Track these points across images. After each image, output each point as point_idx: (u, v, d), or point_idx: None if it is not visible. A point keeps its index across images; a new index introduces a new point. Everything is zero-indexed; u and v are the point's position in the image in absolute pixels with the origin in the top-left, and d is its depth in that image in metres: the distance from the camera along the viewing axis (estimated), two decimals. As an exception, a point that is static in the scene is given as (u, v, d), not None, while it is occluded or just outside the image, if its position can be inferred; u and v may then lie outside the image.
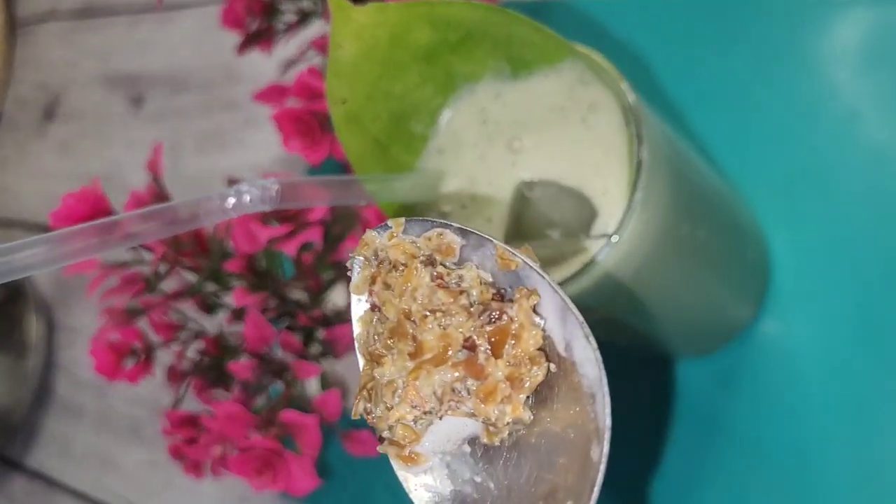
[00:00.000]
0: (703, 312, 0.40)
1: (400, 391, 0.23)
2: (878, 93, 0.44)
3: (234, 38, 0.54)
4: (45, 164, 0.84)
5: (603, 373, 0.22)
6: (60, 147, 0.83)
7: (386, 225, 0.25)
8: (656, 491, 0.45)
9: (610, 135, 0.31)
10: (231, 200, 0.28)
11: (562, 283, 0.30)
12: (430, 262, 0.24)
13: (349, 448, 0.43)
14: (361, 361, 0.25)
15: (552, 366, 0.23)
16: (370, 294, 0.25)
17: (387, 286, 0.24)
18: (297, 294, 0.45)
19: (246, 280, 0.42)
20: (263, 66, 0.57)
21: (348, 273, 0.26)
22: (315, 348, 0.45)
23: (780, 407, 0.43)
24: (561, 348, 0.23)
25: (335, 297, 0.47)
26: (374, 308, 0.25)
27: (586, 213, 0.32)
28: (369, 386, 0.24)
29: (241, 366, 0.42)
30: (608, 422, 0.22)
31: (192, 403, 0.46)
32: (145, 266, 0.43)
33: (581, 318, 0.23)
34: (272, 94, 0.47)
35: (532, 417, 0.23)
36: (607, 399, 0.22)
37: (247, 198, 0.28)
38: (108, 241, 0.26)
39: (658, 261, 0.33)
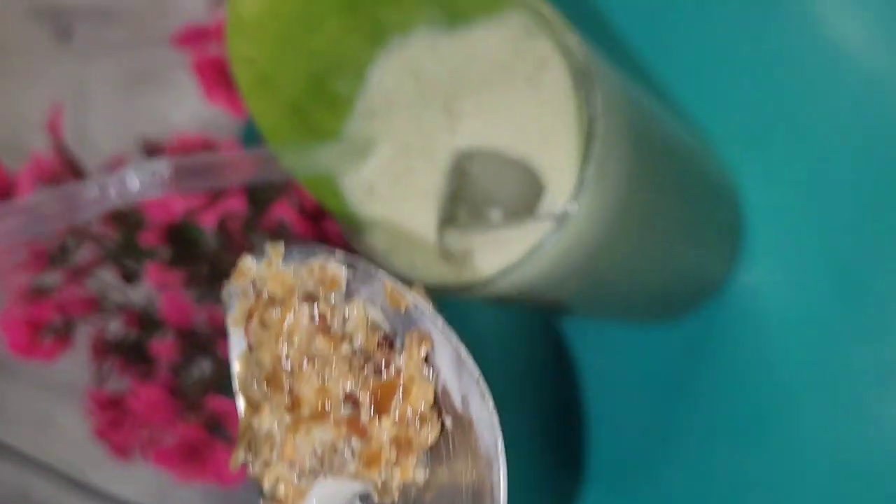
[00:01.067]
0: (671, 281, 0.37)
1: (278, 447, 0.20)
2: (859, 35, 0.40)
3: None
4: (-29, 103, 0.78)
5: (499, 438, 0.19)
6: (-14, 85, 0.77)
7: (264, 252, 0.22)
8: (621, 460, 0.43)
9: (559, 97, 0.27)
10: (113, 190, 0.24)
11: (506, 271, 0.26)
12: (311, 297, 0.21)
13: (286, 429, 0.40)
14: (241, 404, 0.22)
15: (448, 420, 0.20)
16: (246, 332, 0.21)
17: (263, 325, 0.21)
18: (228, 264, 0.41)
19: (164, 253, 0.38)
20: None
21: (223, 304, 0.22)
22: (248, 320, 0.41)
23: (751, 371, 0.41)
24: (458, 401, 0.20)
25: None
26: (251, 348, 0.21)
27: (533, 189, 0.28)
28: (248, 436, 0.21)
29: (163, 345, 0.38)
30: (503, 496, 0.19)
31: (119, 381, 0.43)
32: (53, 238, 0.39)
33: (477, 373, 0.19)
34: (191, 37, 0.42)
35: (426, 476, 0.20)
36: (503, 470, 0.19)
37: (134, 184, 0.24)
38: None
39: (617, 237, 0.29)
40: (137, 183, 0.24)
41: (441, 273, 0.28)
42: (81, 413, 0.65)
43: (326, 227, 0.38)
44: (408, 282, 0.28)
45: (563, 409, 0.44)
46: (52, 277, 0.40)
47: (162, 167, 0.24)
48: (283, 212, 0.38)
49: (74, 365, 0.66)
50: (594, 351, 0.43)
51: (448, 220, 0.28)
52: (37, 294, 0.38)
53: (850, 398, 0.38)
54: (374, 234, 0.30)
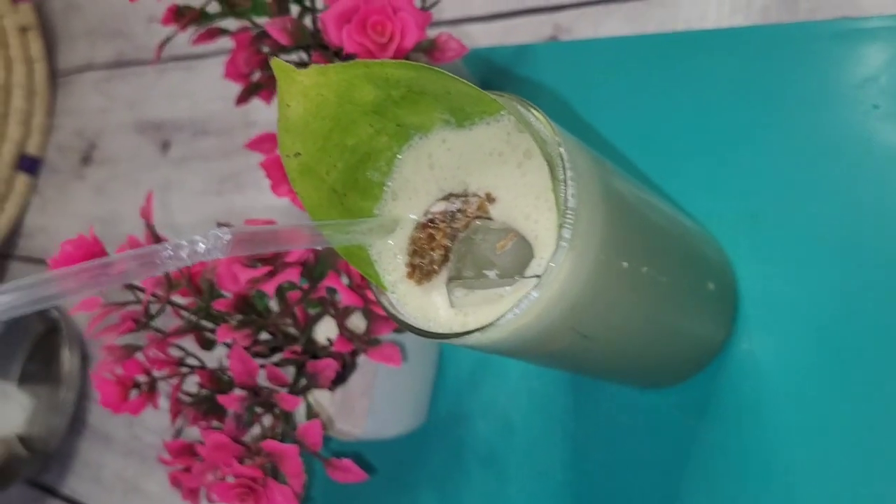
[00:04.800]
0: (663, 345, 0.42)
1: None
2: (843, 128, 0.45)
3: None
4: (83, 205, 0.89)
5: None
6: (96, 190, 0.88)
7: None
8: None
9: (541, 180, 0.33)
10: (185, 250, 0.31)
11: (498, 322, 0.32)
12: None
13: (332, 475, 0.45)
14: None
15: None
16: None
17: None
18: (291, 329, 0.48)
19: (234, 317, 0.45)
20: (273, 113, 0.61)
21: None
22: (304, 380, 0.48)
23: (749, 434, 0.44)
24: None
25: (319, 332, 0.50)
26: None
27: (524, 256, 0.34)
28: None
29: (230, 398, 0.45)
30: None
31: (195, 433, 0.49)
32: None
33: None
34: (263, 142, 0.50)
35: None
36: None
37: (201, 247, 0.31)
38: (51, 295, 0.29)
39: (597, 296, 0.35)
40: (203, 246, 0.31)
41: (450, 322, 0.34)
42: (162, 479, 0.72)
43: (369, 295, 0.45)
44: (422, 331, 0.34)
45: (571, 464, 0.49)
46: (139, 339, 0.47)
47: (225, 234, 0.31)
48: (333, 283, 0.44)
49: (158, 435, 0.72)
50: (604, 411, 0.48)
51: (456, 277, 0.34)
52: (127, 353, 0.45)
53: (844, 455, 0.41)
54: (398, 291, 0.36)
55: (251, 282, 0.42)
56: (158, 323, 0.47)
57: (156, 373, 0.49)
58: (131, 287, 0.46)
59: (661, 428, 0.47)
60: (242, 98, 0.56)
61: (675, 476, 0.46)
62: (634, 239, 0.37)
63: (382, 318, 0.47)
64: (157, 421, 0.73)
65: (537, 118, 0.34)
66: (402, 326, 0.35)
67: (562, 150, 0.32)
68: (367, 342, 0.47)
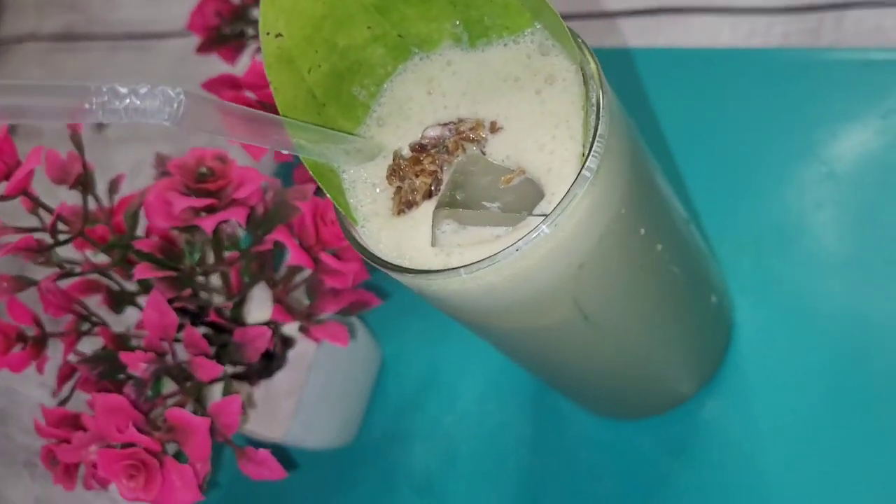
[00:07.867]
0: (659, 348, 0.36)
1: None
2: (853, 157, 0.41)
3: (209, 67, 0.51)
4: None
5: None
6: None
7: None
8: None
9: (564, 108, 0.28)
10: (123, 99, 0.24)
11: (494, 258, 0.26)
12: None
13: (244, 468, 0.38)
14: None
15: None
16: None
17: None
18: (217, 296, 0.41)
19: (156, 262, 0.38)
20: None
21: None
22: (226, 357, 0.40)
23: (732, 479, 0.39)
24: None
25: (249, 312, 0.43)
26: None
27: (531, 197, 0.28)
28: None
29: (134, 356, 0.37)
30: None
31: (82, 405, 0.41)
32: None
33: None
34: (222, 83, 0.44)
35: None
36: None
37: (146, 102, 0.25)
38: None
39: (606, 265, 0.29)
40: (150, 102, 0.25)
41: (429, 262, 0.28)
42: (32, 485, 0.62)
43: (323, 258, 0.38)
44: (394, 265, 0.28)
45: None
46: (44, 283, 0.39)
47: (176, 94, 0.25)
48: (282, 236, 0.38)
49: (34, 437, 0.63)
50: (567, 446, 0.42)
51: (448, 204, 0.28)
52: (17, 285, 0.38)
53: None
54: (369, 226, 0.30)
55: (188, 212, 0.35)
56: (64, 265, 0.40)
57: (48, 327, 0.41)
58: (37, 209, 0.38)
59: (633, 466, 0.41)
60: (204, 48, 0.50)
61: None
62: (654, 208, 0.32)
63: (329, 294, 0.40)
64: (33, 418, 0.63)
65: (577, 43, 0.28)
66: (374, 263, 0.29)
67: (600, 73, 0.27)
68: (308, 318, 0.40)
